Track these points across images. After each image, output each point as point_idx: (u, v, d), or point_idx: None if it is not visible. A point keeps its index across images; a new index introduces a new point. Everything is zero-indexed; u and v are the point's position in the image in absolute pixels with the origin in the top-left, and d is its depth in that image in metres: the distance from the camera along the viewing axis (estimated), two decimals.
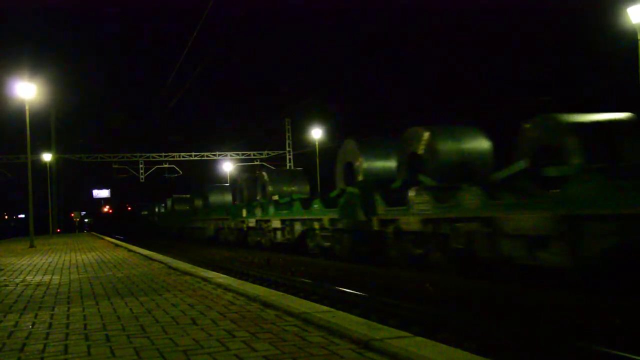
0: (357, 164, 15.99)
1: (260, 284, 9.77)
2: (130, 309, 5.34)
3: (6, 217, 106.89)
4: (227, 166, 50.76)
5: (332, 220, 15.84)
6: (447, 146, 12.87)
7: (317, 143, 39.77)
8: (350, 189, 15.37)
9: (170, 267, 9.70)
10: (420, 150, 13.28)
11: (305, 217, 17.75)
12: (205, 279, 7.52)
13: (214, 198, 32.43)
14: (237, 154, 49.56)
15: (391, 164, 15.34)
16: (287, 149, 47.52)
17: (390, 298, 8.66)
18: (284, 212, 19.82)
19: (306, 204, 18.20)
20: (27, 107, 22.23)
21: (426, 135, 13.17)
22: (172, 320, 4.70)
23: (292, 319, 4.50)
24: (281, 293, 6.04)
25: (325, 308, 4.79)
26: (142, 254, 13.76)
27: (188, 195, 40.06)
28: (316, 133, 39.77)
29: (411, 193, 12.33)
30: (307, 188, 23.26)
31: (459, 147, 12.99)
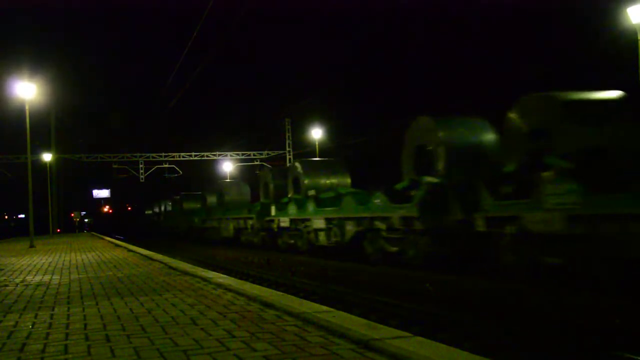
0: (433, 146, 12.87)
1: (260, 284, 9.77)
2: (130, 309, 5.34)
3: (6, 217, 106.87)
4: (227, 166, 50.76)
5: (405, 219, 12.66)
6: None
7: (317, 143, 39.79)
8: (429, 178, 12.52)
9: (170, 267, 9.70)
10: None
11: (364, 215, 14.58)
12: (205, 279, 7.52)
13: (231, 195, 29.24)
14: (237, 154, 49.52)
15: (482, 142, 12.71)
16: (287, 149, 47.51)
17: (390, 298, 8.66)
18: (330, 209, 16.81)
19: (363, 199, 15.17)
20: (27, 107, 22.24)
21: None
22: (172, 320, 4.70)
23: (292, 319, 4.50)
24: (281, 293, 6.04)
25: (325, 308, 4.79)
26: (142, 254, 13.76)
27: (199, 192, 36.63)
28: (316, 133, 39.79)
29: (545, 178, 9.20)
30: (348, 180, 19.85)
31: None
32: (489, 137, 12.80)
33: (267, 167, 32.48)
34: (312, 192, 18.55)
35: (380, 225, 13.79)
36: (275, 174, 23.06)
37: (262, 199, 23.60)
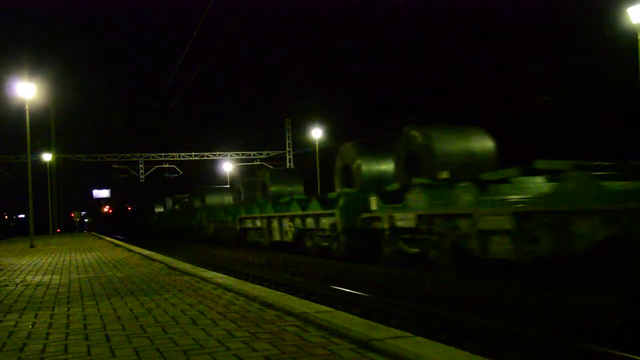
0: (354, 167, 16.74)
1: (260, 284, 9.77)
2: (130, 309, 5.34)
3: (6, 217, 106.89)
4: (227, 166, 50.76)
5: (330, 220, 16.17)
6: (443, 145, 13.08)
7: (317, 143, 39.80)
8: (347, 190, 16.21)
9: (170, 267, 9.70)
10: (418, 148, 13.53)
11: (304, 215, 18.11)
12: (205, 279, 7.52)
13: (212, 199, 33.29)
14: (237, 154, 49.54)
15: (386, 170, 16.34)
16: (287, 149, 47.52)
17: (390, 298, 8.66)
18: (284, 211, 20.02)
19: (305, 204, 18.50)
20: (27, 107, 22.24)
21: (422, 134, 13.41)
22: (172, 320, 4.70)
23: (292, 319, 4.50)
24: (281, 293, 6.03)
25: (325, 308, 4.79)
26: (142, 254, 13.76)
27: (187, 196, 40.67)
28: (316, 133, 39.79)
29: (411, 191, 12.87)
30: (301, 188, 23.39)
31: (457, 146, 13.15)
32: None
33: (238, 177, 34.85)
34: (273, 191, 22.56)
35: (314, 224, 17.31)
36: (246, 182, 27.07)
37: (233, 203, 27.81)
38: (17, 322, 4.92)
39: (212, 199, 33.40)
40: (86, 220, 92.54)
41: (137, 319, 4.78)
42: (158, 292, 6.53)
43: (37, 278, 8.84)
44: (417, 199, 12.53)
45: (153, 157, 48.81)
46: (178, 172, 50.14)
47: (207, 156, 49.57)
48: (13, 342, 4.07)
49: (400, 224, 12.94)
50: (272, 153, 49.06)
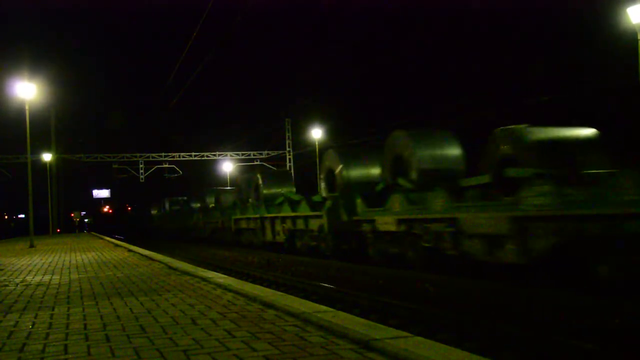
0: (337, 172, 17.42)
1: (260, 284, 9.78)
2: (130, 309, 5.34)
3: (6, 217, 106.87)
4: (227, 166, 50.75)
5: (318, 222, 16.91)
6: (425, 152, 13.70)
7: (317, 143, 39.80)
8: (331, 194, 16.92)
9: (170, 267, 9.70)
10: (404, 154, 14.06)
11: (294, 216, 18.80)
12: (205, 279, 7.52)
13: (209, 200, 33.59)
14: (237, 154, 49.52)
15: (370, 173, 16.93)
16: (287, 149, 47.51)
17: (390, 298, 8.66)
18: (275, 213, 20.80)
19: (295, 205, 19.12)
20: (27, 107, 22.23)
21: (407, 139, 13.97)
22: (172, 320, 4.70)
23: (292, 319, 4.50)
24: (281, 293, 6.03)
25: (325, 308, 4.78)
26: (141, 254, 13.76)
27: (185, 198, 41.23)
28: (316, 133, 39.80)
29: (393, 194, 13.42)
30: (294, 189, 23.93)
31: (436, 152, 13.80)
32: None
33: (239, 175, 35.18)
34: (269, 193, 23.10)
35: (304, 225, 17.88)
36: (243, 183, 27.40)
37: (233, 203, 27.88)
38: (17, 322, 4.92)
39: (211, 200, 33.53)
40: (86, 220, 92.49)
41: (137, 319, 4.78)
42: (158, 292, 6.53)
43: (37, 278, 8.84)
44: (397, 203, 13.10)
45: (153, 157, 48.80)
46: (178, 172, 50.14)
47: (207, 156, 49.55)
48: (13, 342, 4.07)
49: (381, 227, 13.62)
50: (272, 153, 49.04)
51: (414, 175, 13.58)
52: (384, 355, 3.28)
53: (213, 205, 32.63)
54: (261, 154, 49.39)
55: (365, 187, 15.66)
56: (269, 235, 21.17)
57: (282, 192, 22.56)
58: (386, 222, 13.34)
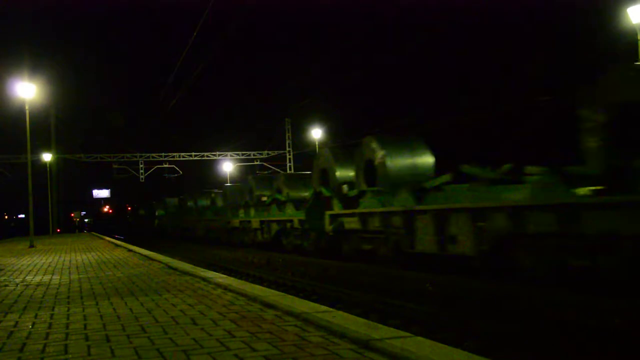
0: (329, 172, 17.78)
1: (260, 284, 9.77)
2: (130, 309, 5.34)
3: (6, 217, 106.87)
4: (227, 166, 50.75)
5: (300, 221, 18.02)
6: (393, 158, 14.16)
7: (317, 143, 39.81)
8: (322, 191, 17.37)
9: (170, 267, 9.70)
10: (374, 158, 14.47)
11: (281, 218, 19.94)
12: (205, 279, 7.52)
13: (204, 201, 34.35)
14: (237, 154, 49.52)
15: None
16: (287, 149, 47.52)
17: (390, 298, 8.66)
18: (261, 214, 22.18)
19: (281, 207, 20.08)
20: (27, 107, 22.23)
21: (377, 146, 14.38)
22: (172, 320, 4.70)
23: (292, 319, 4.50)
24: (281, 293, 6.03)
25: (325, 308, 4.79)
26: (142, 254, 13.76)
27: (180, 198, 41.78)
28: (316, 133, 39.82)
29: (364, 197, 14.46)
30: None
31: (405, 160, 14.21)
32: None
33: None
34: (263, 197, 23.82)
35: (289, 225, 19.10)
36: (234, 188, 28.82)
37: (224, 205, 29.02)
38: (17, 322, 4.92)
39: (204, 201, 34.56)
40: (86, 220, 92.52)
41: (137, 319, 4.78)
42: (158, 292, 6.53)
43: (37, 278, 8.84)
44: (368, 205, 14.05)
45: (153, 157, 48.81)
46: (178, 172, 50.16)
47: (207, 156, 49.56)
48: (13, 342, 4.07)
49: (348, 226, 14.80)
50: (272, 153, 49.05)
51: (382, 182, 13.93)
52: (384, 355, 3.28)
53: (208, 205, 33.30)
54: (261, 154, 49.40)
55: (342, 193, 16.35)
56: (258, 235, 22.67)
57: (271, 194, 23.44)
58: (351, 221, 14.64)
